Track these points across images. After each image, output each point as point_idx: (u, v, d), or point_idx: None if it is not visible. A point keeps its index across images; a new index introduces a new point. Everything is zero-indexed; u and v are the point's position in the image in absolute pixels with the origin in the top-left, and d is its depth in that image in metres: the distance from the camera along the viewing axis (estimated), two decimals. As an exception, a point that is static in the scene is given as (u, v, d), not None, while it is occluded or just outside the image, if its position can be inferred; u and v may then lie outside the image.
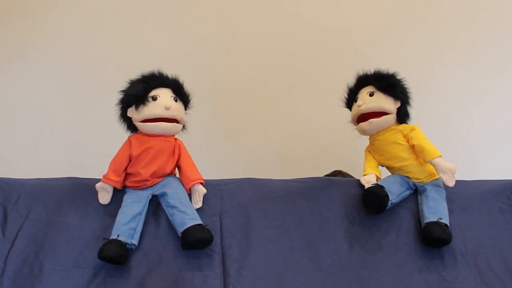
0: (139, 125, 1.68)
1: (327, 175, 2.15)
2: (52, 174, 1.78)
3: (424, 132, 1.75)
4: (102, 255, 1.47)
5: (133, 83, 1.70)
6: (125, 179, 1.68)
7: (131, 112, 1.69)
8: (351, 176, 2.17)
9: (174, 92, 1.71)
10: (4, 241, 1.54)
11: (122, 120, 1.73)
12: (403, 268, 1.58)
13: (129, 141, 1.69)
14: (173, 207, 1.61)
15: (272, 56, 2.77)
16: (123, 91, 1.70)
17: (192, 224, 1.55)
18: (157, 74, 1.72)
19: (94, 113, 2.58)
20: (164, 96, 1.67)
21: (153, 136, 1.68)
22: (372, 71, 1.84)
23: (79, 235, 1.58)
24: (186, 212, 1.59)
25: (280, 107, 2.72)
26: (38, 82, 2.69)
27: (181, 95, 1.74)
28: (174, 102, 1.69)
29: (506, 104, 2.67)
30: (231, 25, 2.80)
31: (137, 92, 1.65)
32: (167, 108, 1.65)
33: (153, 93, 1.67)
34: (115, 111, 1.72)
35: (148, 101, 1.65)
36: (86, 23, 2.77)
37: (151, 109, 1.65)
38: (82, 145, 2.57)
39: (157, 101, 1.66)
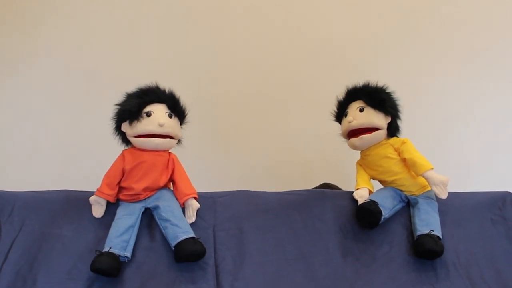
0: (132, 139, 1.68)
1: (315, 188, 2.15)
2: (45, 186, 1.78)
3: (416, 145, 1.76)
4: (94, 268, 1.47)
5: (129, 98, 1.69)
6: (118, 192, 1.68)
7: (125, 127, 1.68)
8: (339, 189, 2.18)
9: (169, 107, 1.70)
10: (-3, 253, 1.53)
11: (116, 133, 1.73)
12: (397, 280, 1.59)
13: (122, 156, 1.69)
14: (166, 220, 1.61)
15: (264, 70, 2.78)
16: (118, 105, 1.69)
17: (184, 237, 1.55)
18: (153, 89, 1.71)
19: (88, 126, 2.57)
20: (158, 112, 1.66)
21: (146, 151, 1.68)
22: (362, 85, 1.84)
23: (73, 247, 1.58)
24: (179, 225, 1.59)
25: (273, 120, 2.73)
26: (31, 94, 2.68)
27: (177, 110, 1.73)
28: (169, 118, 1.68)
29: (498, 115, 2.69)
30: (223, 38, 2.81)
31: (131, 108, 1.64)
32: (161, 125, 1.64)
33: (148, 108, 1.65)
34: (110, 123, 1.72)
35: (142, 117, 1.64)
36: (80, 36, 2.77)
37: (144, 125, 1.64)
38: (76, 157, 2.56)
39: (151, 117, 1.64)
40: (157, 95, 1.69)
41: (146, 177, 1.66)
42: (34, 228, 1.61)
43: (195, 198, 1.68)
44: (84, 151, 2.55)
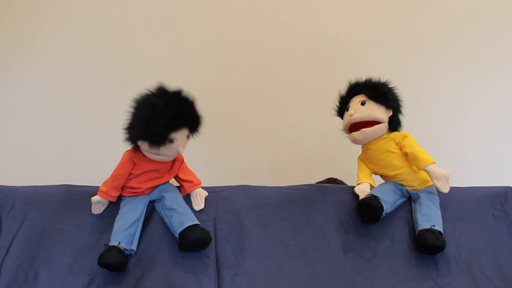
0: (147, 154, 1.62)
1: (320, 182, 2.15)
2: (47, 181, 1.77)
3: (417, 139, 1.75)
4: (103, 262, 1.47)
5: (154, 117, 1.53)
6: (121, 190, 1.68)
7: (142, 143, 1.59)
8: (345, 184, 2.17)
9: (190, 130, 1.64)
10: (-1, 248, 1.54)
11: (129, 142, 1.63)
12: (398, 275, 1.59)
13: (131, 160, 1.64)
14: (171, 209, 1.61)
15: (266, 66, 2.78)
16: (140, 120, 1.56)
17: (190, 223, 1.56)
18: (182, 111, 1.59)
19: (89, 121, 2.58)
20: (180, 140, 1.60)
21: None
22: (364, 80, 1.84)
23: (74, 242, 1.58)
24: (184, 213, 1.60)
25: (275, 116, 2.73)
26: (32, 89, 2.68)
27: (194, 131, 1.66)
28: (187, 140, 1.65)
29: (499, 110, 2.69)
30: (225, 34, 2.81)
31: (157, 137, 1.55)
32: (179, 152, 1.63)
33: (172, 135, 1.57)
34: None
35: (164, 143, 1.57)
36: (82, 32, 2.77)
37: (164, 150, 1.58)
38: (77, 152, 2.56)
39: (173, 144, 1.58)
40: (184, 121, 1.60)
41: (154, 178, 1.67)
42: (35, 222, 1.61)
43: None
44: (85, 145, 2.55)
